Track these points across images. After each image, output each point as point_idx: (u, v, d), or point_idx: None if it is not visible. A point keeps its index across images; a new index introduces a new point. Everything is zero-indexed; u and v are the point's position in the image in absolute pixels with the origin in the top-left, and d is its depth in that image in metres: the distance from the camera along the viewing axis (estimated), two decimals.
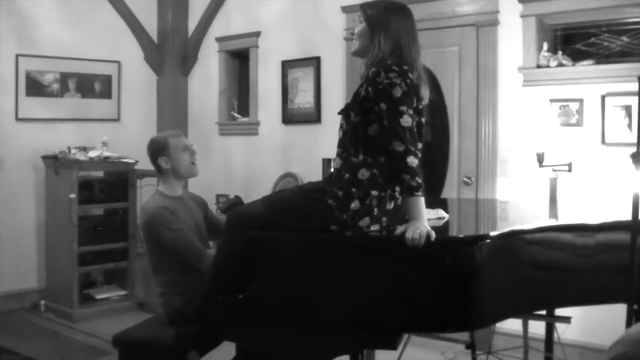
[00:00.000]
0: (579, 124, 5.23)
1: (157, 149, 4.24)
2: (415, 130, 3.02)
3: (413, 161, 2.93)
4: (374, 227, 3.04)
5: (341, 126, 3.25)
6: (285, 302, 3.12)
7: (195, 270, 3.97)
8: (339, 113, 3.28)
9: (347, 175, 3.11)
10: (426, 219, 2.94)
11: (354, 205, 3.03)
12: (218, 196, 7.31)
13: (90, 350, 5.78)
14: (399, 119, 2.97)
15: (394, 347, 3.07)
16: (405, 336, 4.57)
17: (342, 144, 3.22)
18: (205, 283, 3.54)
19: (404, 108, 2.99)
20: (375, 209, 3.04)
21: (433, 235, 2.85)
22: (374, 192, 3.04)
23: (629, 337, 2.07)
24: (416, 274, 2.94)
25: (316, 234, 3.12)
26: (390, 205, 3.08)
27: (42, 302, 6.96)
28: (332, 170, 3.26)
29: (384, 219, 3.06)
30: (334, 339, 3.08)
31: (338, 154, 3.23)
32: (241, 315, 3.19)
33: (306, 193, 3.26)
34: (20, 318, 6.76)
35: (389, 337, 3.08)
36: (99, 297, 6.97)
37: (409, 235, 2.85)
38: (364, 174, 3.08)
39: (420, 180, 2.93)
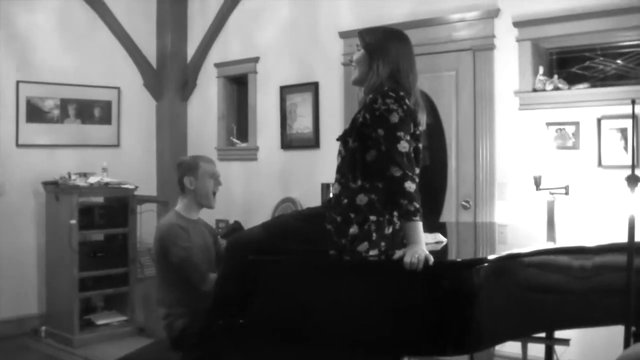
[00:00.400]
0: (575, 147, 5.27)
1: (186, 168, 4.38)
2: (412, 155, 3.07)
3: (410, 186, 2.97)
4: (373, 252, 3.09)
5: (339, 152, 3.29)
6: (285, 324, 3.18)
7: (198, 291, 4.03)
8: (338, 139, 3.33)
9: (345, 201, 3.15)
10: (424, 243, 2.97)
11: (353, 230, 3.07)
12: (218, 221, 7.34)
13: None
14: (396, 144, 3.01)
15: None
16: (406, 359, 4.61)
17: (340, 170, 3.26)
18: (207, 306, 3.59)
19: (400, 134, 3.03)
20: (374, 234, 3.09)
21: (431, 259, 2.88)
22: (372, 217, 3.08)
23: (625, 358, 2.11)
24: (414, 297, 2.98)
25: (315, 258, 3.17)
26: (389, 230, 3.13)
27: (43, 327, 6.98)
28: (331, 195, 3.31)
29: (383, 244, 3.11)
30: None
31: (336, 180, 3.27)
32: (242, 338, 3.23)
33: (305, 218, 3.32)
34: (21, 343, 6.77)
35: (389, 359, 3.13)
36: (99, 322, 6.99)
37: (407, 259, 2.88)
38: (362, 199, 3.12)
39: (417, 205, 2.96)
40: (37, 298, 7.18)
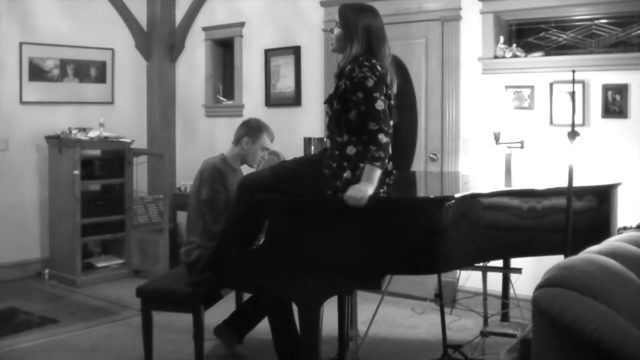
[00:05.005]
0: (530, 107, 5.84)
1: (250, 130, 4.87)
2: (387, 112, 3.68)
3: (382, 138, 3.58)
4: None
5: (327, 113, 3.91)
6: (288, 252, 3.70)
7: (211, 229, 4.62)
8: (325, 102, 3.94)
9: (337, 152, 3.75)
10: (373, 187, 3.58)
11: (346, 174, 3.67)
12: None
13: (97, 309, 6.35)
14: (374, 104, 3.62)
15: (378, 287, 3.76)
16: (379, 296, 5.25)
17: (329, 127, 3.87)
18: (219, 237, 4.20)
19: (376, 94, 3.64)
20: None
21: (365, 200, 3.52)
22: (362, 165, 3.67)
23: (557, 265, 2.71)
24: (395, 228, 3.57)
25: (314, 196, 3.75)
26: None
27: (46, 270, 7.51)
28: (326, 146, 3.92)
29: None
30: (330, 281, 3.70)
31: (327, 136, 3.89)
32: (252, 264, 3.80)
33: (305, 163, 3.95)
34: (26, 285, 7.28)
35: (374, 279, 3.75)
36: (99, 265, 7.53)
37: (350, 192, 3.54)
38: (351, 150, 3.72)
39: (383, 155, 3.57)
40: (39, 244, 7.69)
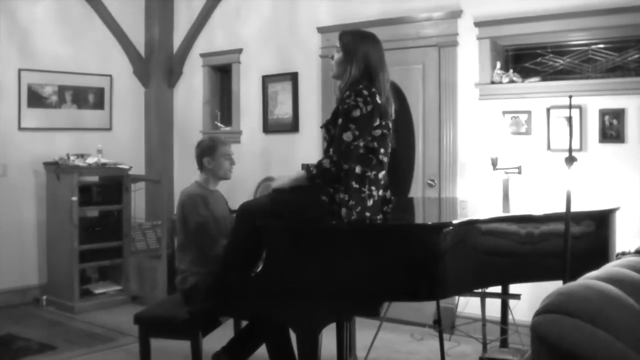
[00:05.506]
0: (527, 132, 5.86)
1: (205, 150, 4.90)
2: (352, 147, 3.65)
3: (326, 163, 3.66)
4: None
5: (324, 138, 3.93)
6: (287, 279, 3.69)
7: (207, 255, 4.61)
8: (322, 127, 3.96)
9: None
10: (288, 185, 3.82)
11: (343, 198, 3.67)
12: None
13: (95, 336, 6.33)
14: (344, 132, 3.64)
15: (376, 314, 3.74)
16: (378, 322, 5.24)
17: (326, 153, 3.85)
18: (216, 267, 4.19)
19: (352, 126, 3.63)
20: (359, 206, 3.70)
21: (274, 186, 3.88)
22: (363, 189, 3.69)
23: (555, 291, 2.72)
24: (394, 254, 3.56)
25: (312, 221, 3.73)
26: (370, 202, 3.73)
27: (44, 297, 7.48)
28: None
29: (367, 214, 3.71)
30: (329, 308, 3.68)
31: None
32: (251, 291, 3.79)
33: (303, 188, 3.93)
34: (24, 311, 7.25)
35: (373, 306, 3.73)
36: (97, 291, 7.49)
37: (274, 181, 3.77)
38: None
39: (315, 174, 3.67)
40: (37, 270, 7.66)
